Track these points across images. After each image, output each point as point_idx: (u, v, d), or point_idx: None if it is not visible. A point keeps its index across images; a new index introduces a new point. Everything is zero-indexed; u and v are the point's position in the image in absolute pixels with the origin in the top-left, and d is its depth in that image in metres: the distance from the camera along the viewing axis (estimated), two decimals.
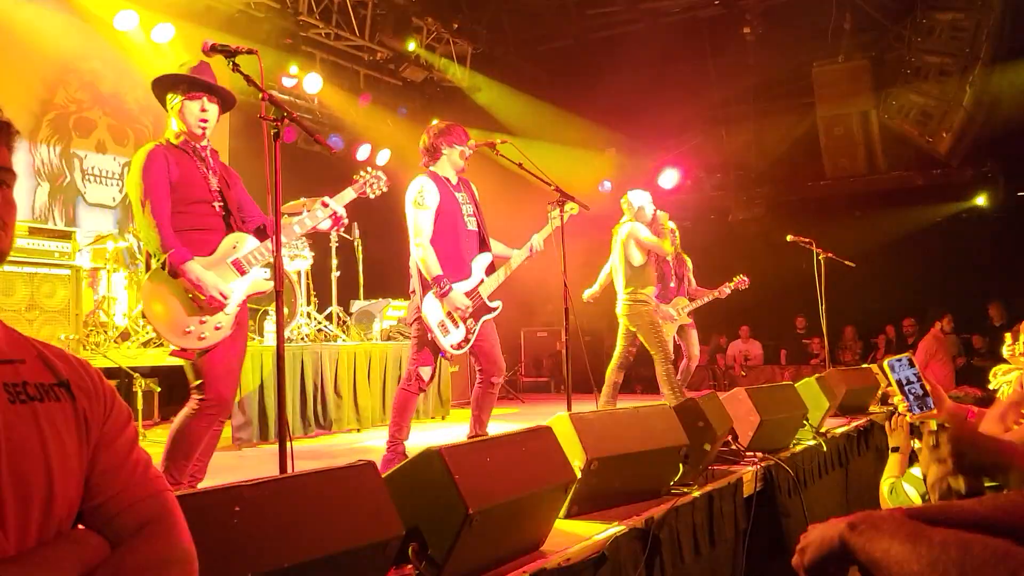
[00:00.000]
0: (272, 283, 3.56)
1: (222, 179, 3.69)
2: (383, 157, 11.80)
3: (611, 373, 6.86)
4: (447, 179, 4.71)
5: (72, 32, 8.29)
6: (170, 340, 3.42)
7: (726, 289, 7.66)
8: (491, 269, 4.81)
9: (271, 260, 3.65)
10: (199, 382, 3.49)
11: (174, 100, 3.61)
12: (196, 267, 3.41)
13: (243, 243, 3.65)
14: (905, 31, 10.97)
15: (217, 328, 3.48)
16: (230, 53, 2.84)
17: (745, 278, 7.77)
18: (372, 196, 4.30)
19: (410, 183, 4.65)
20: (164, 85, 3.66)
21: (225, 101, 3.71)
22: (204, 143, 3.66)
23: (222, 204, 3.63)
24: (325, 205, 3.86)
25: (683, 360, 7.63)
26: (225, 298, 3.48)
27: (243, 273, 3.59)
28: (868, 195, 12.37)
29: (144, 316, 3.50)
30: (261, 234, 3.79)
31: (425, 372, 4.61)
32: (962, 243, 11.87)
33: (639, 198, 6.91)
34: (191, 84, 3.58)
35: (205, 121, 3.60)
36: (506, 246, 4.97)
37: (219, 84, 3.66)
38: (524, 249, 4.91)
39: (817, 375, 5.60)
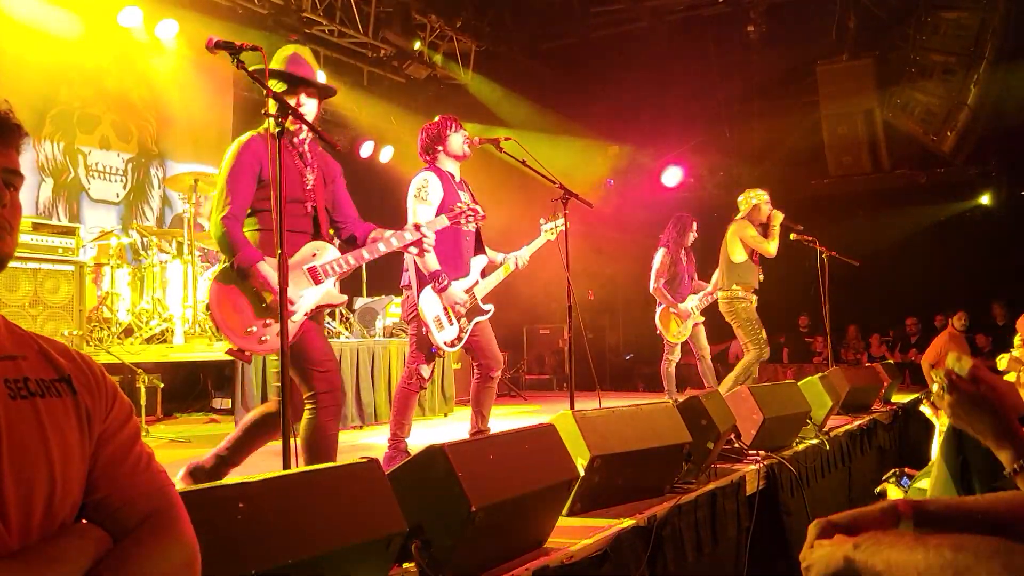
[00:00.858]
0: (343, 297, 3.53)
1: (319, 176, 3.56)
2: (386, 154, 11.81)
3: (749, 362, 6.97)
4: (451, 175, 4.68)
5: (75, 28, 8.29)
6: (230, 339, 3.30)
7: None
8: (485, 272, 4.80)
9: (347, 271, 3.56)
10: (301, 379, 3.35)
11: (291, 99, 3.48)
12: (266, 267, 3.29)
13: (323, 252, 3.51)
14: (909, 29, 10.94)
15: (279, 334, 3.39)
16: (234, 50, 2.81)
17: None
18: (465, 227, 4.31)
19: (414, 177, 4.63)
20: (281, 80, 3.54)
21: (323, 93, 3.62)
22: (303, 136, 3.55)
23: (314, 205, 3.51)
24: (417, 228, 3.74)
25: (697, 361, 7.49)
26: (292, 303, 3.33)
27: (318, 282, 3.45)
28: (872, 194, 12.36)
29: (208, 311, 3.35)
30: (352, 243, 3.67)
31: (425, 370, 4.60)
32: (966, 242, 11.85)
33: (758, 196, 7.05)
34: (289, 80, 3.50)
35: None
36: (494, 251, 4.95)
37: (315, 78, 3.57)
38: (509, 263, 4.89)
39: (820, 374, 5.61)
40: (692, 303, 7.35)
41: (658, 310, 7.47)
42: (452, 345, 4.56)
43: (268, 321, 3.34)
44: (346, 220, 3.72)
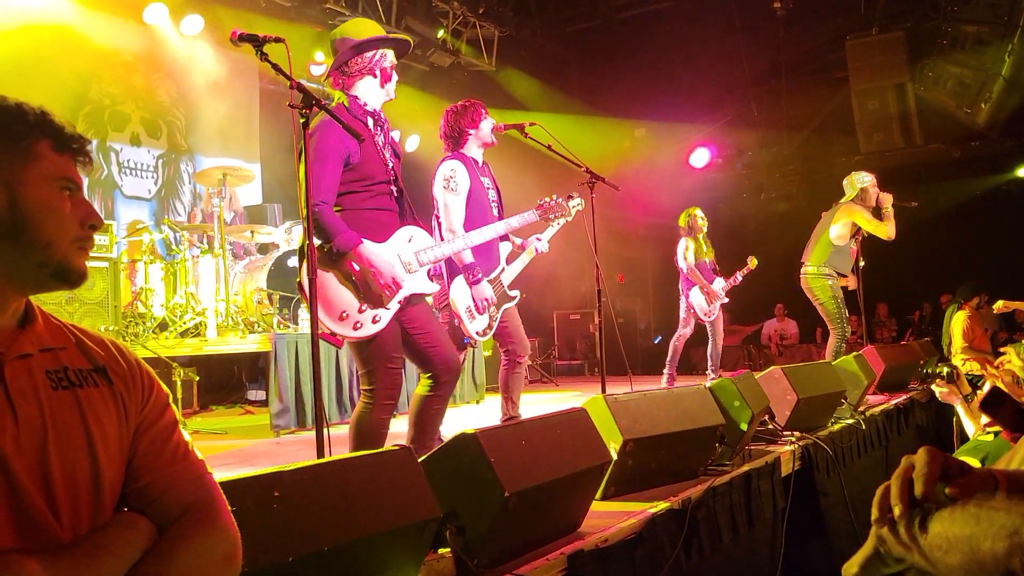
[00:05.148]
0: (435, 287, 3.50)
1: (392, 153, 3.47)
2: (412, 143, 11.82)
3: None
4: (475, 161, 4.62)
5: (103, 27, 8.39)
6: (324, 323, 3.16)
7: (739, 276, 8.07)
8: (510, 258, 4.78)
9: (436, 262, 3.51)
10: (366, 371, 3.30)
11: (383, 63, 3.42)
12: (370, 249, 3.22)
13: (417, 238, 3.44)
14: (941, 0, 10.72)
15: (375, 321, 3.25)
16: (258, 42, 2.81)
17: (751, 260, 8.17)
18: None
19: (440, 165, 4.57)
20: (369, 48, 3.44)
21: (399, 49, 3.55)
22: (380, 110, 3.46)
23: (393, 180, 3.42)
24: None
25: (710, 344, 8.03)
26: (398, 287, 3.26)
27: (408, 272, 3.37)
28: (904, 169, 12.15)
29: (300, 289, 3.17)
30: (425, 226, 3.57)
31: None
32: (1002, 216, 11.64)
33: (863, 179, 6.91)
34: (398, 49, 3.45)
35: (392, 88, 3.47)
36: (515, 236, 4.92)
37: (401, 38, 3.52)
38: (532, 247, 4.86)
39: (855, 352, 5.54)
40: (720, 284, 7.92)
41: (691, 291, 7.86)
42: (483, 334, 4.55)
43: (363, 307, 3.24)
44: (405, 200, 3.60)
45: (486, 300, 4.44)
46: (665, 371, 7.87)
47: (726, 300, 7.99)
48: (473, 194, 4.50)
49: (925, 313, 12.77)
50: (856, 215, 6.72)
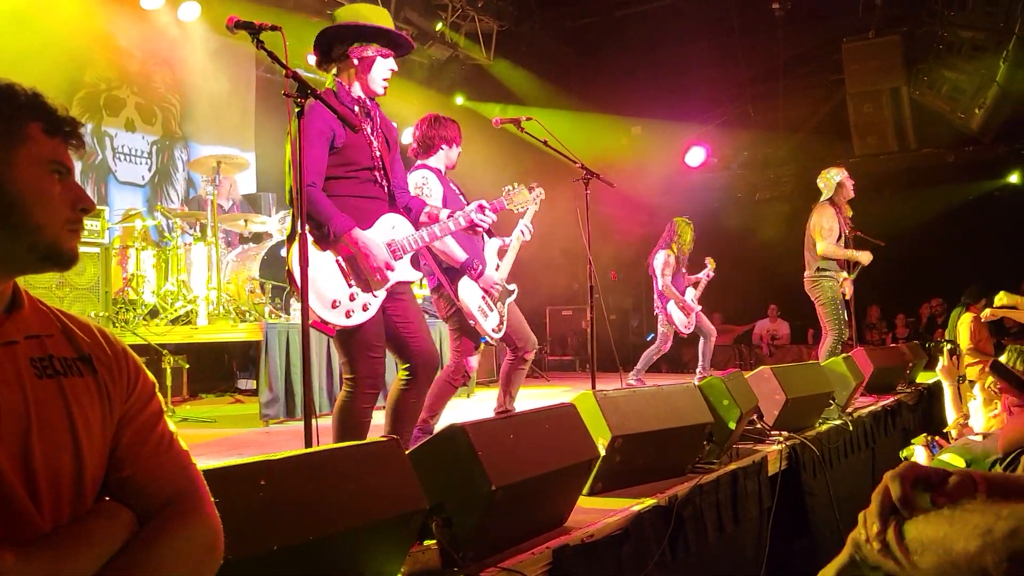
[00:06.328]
0: (418, 274, 3.49)
1: (383, 142, 3.45)
2: (408, 136, 11.80)
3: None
4: (439, 171, 4.62)
5: (99, 11, 8.34)
6: (316, 311, 3.14)
7: (711, 272, 8.28)
8: (501, 252, 4.80)
9: (420, 249, 3.49)
10: (348, 360, 3.30)
11: (365, 52, 3.38)
12: (363, 234, 3.22)
13: (400, 226, 3.44)
14: (937, 5, 10.72)
15: (365, 308, 3.25)
16: (254, 30, 2.80)
17: (710, 263, 8.36)
18: (515, 211, 4.32)
19: (409, 173, 4.50)
20: (350, 35, 3.40)
21: (399, 47, 3.50)
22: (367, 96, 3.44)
23: (383, 172, 3.41)
24: (482, 208, 3.68)
25: (702, 341, 8.14)
26: (391, 270, 3.27)
27: (395, 259, 3.36)
28: (898, 173, 12.19)
29: (289, 277, 3.14)
30: (407, 214, 3.55)
31: (473, 361, 4.60)
32: (994, 221, 11.68)
33: (836, 175, 6.93)
34: (389, 39, 3.40)
35: (387, 80, 3.43)
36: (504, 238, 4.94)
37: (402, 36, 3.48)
38: (515, 240, 4.86)
39: (844, 354, 5.57)
40: (692, 294, 8.11)
41: (668, 305, 7.95)
42: (498, 330, 4.56)
43: (353, 295, 3.23)
44: (397, 188, 3.55)
45: (496, 285, 4.48)
46: (632, 379, 7.81)
47: (699, 308, 8.10)
48: (448, 199, 4.51)
49: (919, 316, 12.80)
50: (820, 218, 6.81)
